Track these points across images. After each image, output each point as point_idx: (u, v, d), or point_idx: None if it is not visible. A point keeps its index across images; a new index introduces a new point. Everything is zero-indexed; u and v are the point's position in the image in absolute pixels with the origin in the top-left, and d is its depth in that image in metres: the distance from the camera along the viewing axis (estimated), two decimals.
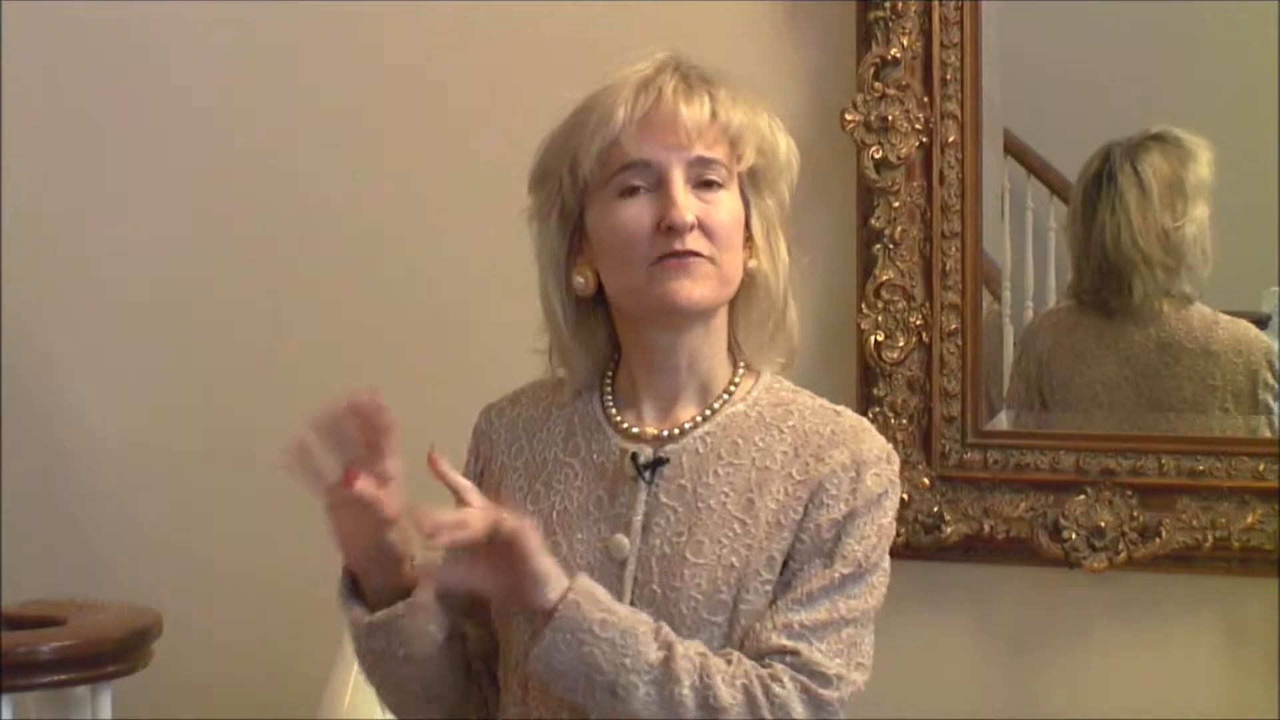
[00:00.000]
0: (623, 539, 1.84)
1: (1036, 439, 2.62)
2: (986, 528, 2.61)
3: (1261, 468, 2.52)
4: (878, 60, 2.62)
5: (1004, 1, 2.64)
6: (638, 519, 1.84)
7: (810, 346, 2.67)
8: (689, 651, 1.75)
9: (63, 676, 2.68)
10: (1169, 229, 2.62)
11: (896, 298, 2.63)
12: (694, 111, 1.82)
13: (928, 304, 2.62)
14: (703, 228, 1.81)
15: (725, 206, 1.84)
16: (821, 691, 1.77)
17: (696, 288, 1.81)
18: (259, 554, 3.01)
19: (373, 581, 1.85)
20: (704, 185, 1.83)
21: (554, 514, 1.87)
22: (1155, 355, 2.64)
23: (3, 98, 3.13)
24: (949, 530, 2.62)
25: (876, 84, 2.62)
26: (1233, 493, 2.52)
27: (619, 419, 1.89)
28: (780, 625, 1.78)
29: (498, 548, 1.74)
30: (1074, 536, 2.56)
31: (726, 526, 1.82)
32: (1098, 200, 2.63)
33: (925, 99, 2.61)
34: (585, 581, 1.77)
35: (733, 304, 1.88)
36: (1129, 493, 2.56)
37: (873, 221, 2.64)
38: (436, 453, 1.79)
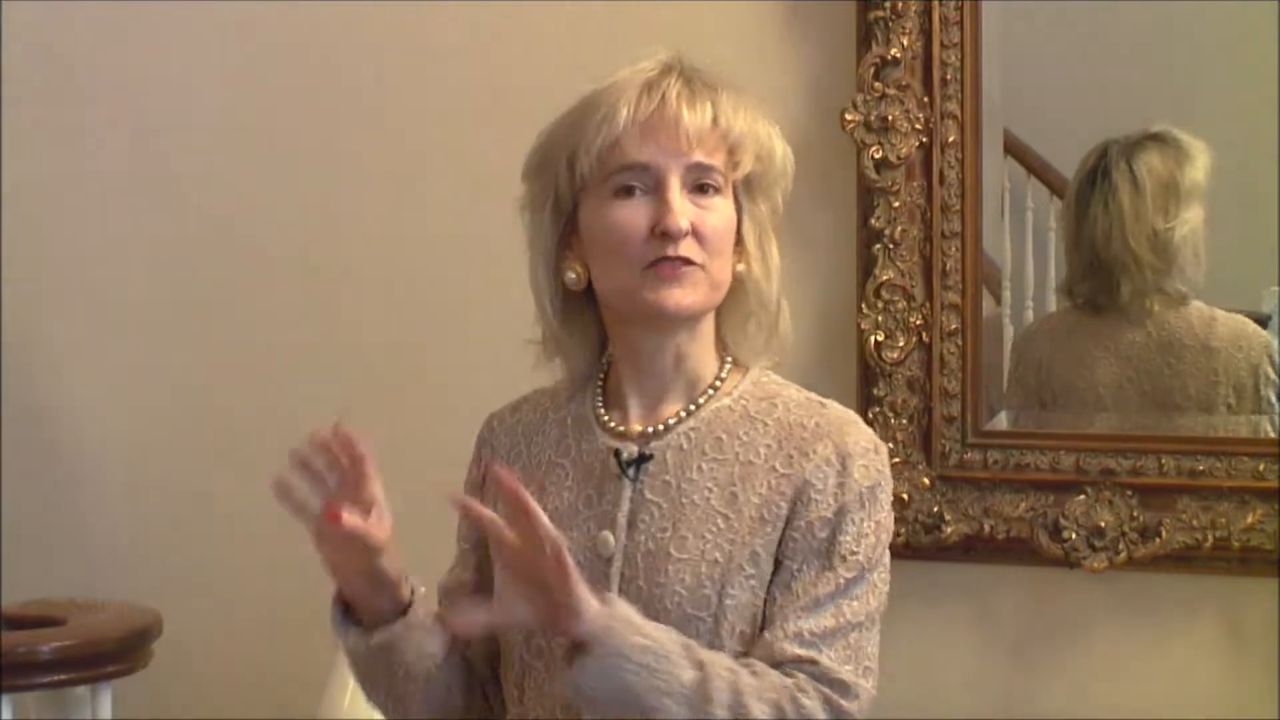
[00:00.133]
0: (608, 536, 1.85)
1: (1036, 439, 2.62)
2: (986, 528, 2.61)
3: (1261, 468, 2.52)
4: (878, 60, 2.62)
5: (1004, 1, 2.64)
6: (623, 516, 1.85)
7: (810, 346, 2.68)
8: (720, 669, 1.75)
9: (63, 676, 2.68)
10: (1159, 230, 2.62)
11: (896, 298, 2.63)
12: (696, 117, 1.83)
13: (928, 304, 2.62)
14: (696, 233, 1.82)
15: (719, 213, 1.85)
16: (842, 702, 1.78)
17: (687, 295, 1.83)
18: (259, 554, 3.01)
19: (367, 605, 1.85)
20: (699, 190, 1.84)
21: (546, 514, 1.88)
22: (1156, 355, 2.64)
23: (3, 98, 3.13)
24: (949, 530, 2.62)
25: (876, 84, 2.62)
26: (1233, 493, 2.52)
27: (606, 418, 1.91)
28: (791, 634, 1.79)
29: (533, 573, 1.71)
30: (1074, 536, 2.56)
31: (710, 521, 1.83)
32: (1091, 196, 2.64)
33: (925, 99, 2.61)
34: (619, 605, 1.75)
35: (721, 305, 1.89)
36: (1129, 493, 2.56)
37: (873, 221, 2.64)
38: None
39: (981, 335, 2.63)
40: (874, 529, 1.84)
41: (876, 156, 2.62)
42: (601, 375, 1.95)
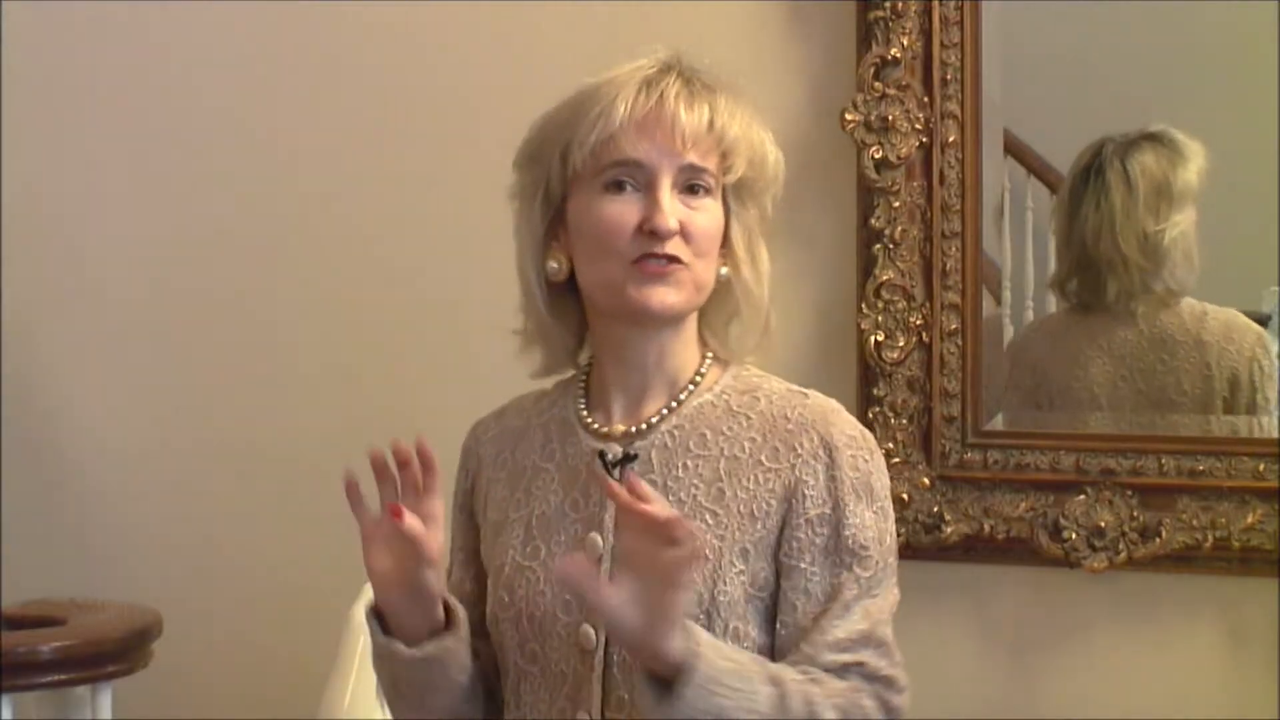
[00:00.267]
0: (596, 538, 1.85)
1: (1036, 439, 2.62)
2: (986, 528, 2.61)
3: (1261, 468, 2.52)
4: (878, 60, 2.62)
5: (1004, 1, 2.64)
6: (609, 517, 1.84)
7: (810, 346, 2.69)
8: (791, 682, 1.75)
9: (63, 676, 2.68)
10: (1150, 232, 2.62)
11: (896, 298, 2.63)
12: (693, 118, 1.83)
13: (928, 304, 2.62)
14: (683, 233, 1.83)
15: (708, 214, 1.85)
16: (893, 698, 1.81)
17: (670, 294, 1.83)
18: (259, 554, 3.01)
19: (401, 618, 1.84)
20: (689, 191, 1.85)
21: (533, 519, 1.89)
22: (1149, 352, 2.64)
23: (3, 98, 3.13)
24: (949, 530, 2.62)
25: (876, 84, 2.62)
26: (1233, 493, 2.52)
27: (589, 419, 1.91)
28: (830, 644, 1.79)
29: (652, 573, 1.67)
30: (1074, 536, 2.56)
31: (698, 518, 1.83)
32: (1084, 193, 2.64)
33: (925, 99, 2.61)
34: (695, 627, 1.73)
35: (704, 306, 1.89)
36: (1129, 493, 2.56)
37: (873, 221, 2.64)
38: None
39: (981, 335, 2.63)
40: (874, 520, 1.84)
41: (876, 156, 2.62)
42: (584, 378, 1.95)
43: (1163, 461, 2.56)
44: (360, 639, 2.50)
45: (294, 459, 2.99)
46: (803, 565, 1.82)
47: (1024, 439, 2.62)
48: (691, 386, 1.90)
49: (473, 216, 2.85)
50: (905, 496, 2.62)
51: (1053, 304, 2.74)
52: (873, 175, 2.62)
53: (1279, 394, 2.61)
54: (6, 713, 2.61)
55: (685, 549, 1.64)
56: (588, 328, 1.94)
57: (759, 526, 1.83)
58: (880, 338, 2.64)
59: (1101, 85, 2.73)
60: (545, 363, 1.95)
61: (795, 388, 1.91)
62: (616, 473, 1.86)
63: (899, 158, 2.62)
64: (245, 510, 3.04)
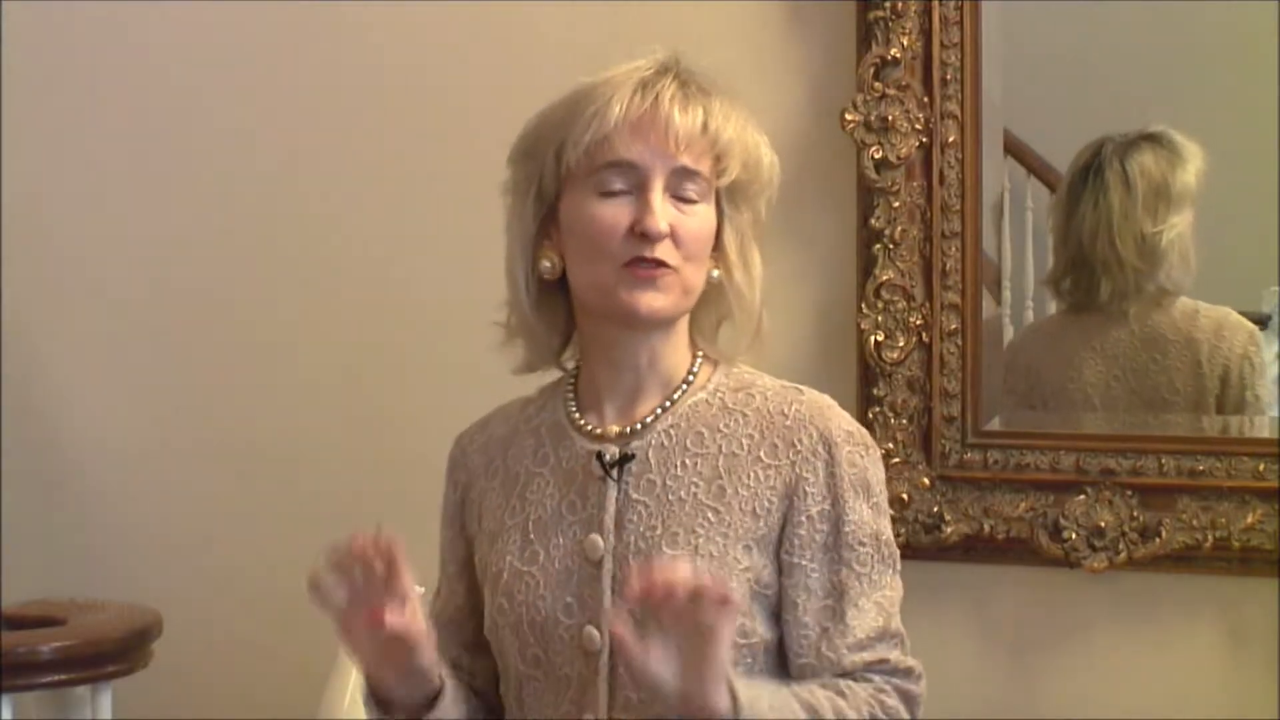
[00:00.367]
0: (596, 539, 1.85)
1: (1036, 439, 2.62)
2: (986, 528, 2.61)
3: (1261, 468, 2.52)
4: (878, 60, 2.62)
5: (1004, 1, 2.64)
6: (609, 518, 1.85)
7: (810, 346, 2.69)
8: (824, 706, 1.77)
9: (63, 676, 2.68)
10: (1147, 234, 2.62)
11: (896, 298, 2.63)
12: (687, 121, 1.83)
13: (928, 304, 2.62)
14: (674, 237, 1.83)
15: (699, 218, 1.85)
16: (913, 688, 1.85)
17: (658, 299, 1.83)
18: (259, 554, 3.01)
19: (393, 692, 1.83)
20: (682, 194, 1.85)
21: (529, 524, 1.89)
22: (1142, 352, 2.64)
23: (3, 98, 3.13)
24: (949, 530, 2.62)
25: (876, 84, 2.62)
26: (1233, 493, 2.52)
27: (582, 422, 1.91)
28: (853, 645, 1.82)
29: (690, 633, 1.67)
30: (1074, 536, 2.56)
31: (700, 516, 1.83)
32: (1082, 193, 2.64)
33: (925, 99, 2.61)
34: (738, 681, 1.73)
35: (695, 308, 1.90)
36: (1129, 493, 2.56)
37: (873, 221, 2.63)
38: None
39: (981, 335, 2.63)
40: (872, 515, 1.86)
41: (876, 156, 2.62)
42: (572, 380, 1.95)
43: (1163, 461, 2.55)
44: None
45: (294, 459, 3.00)
46: (804, 562, 1.84)
47: (1024, 439, 2.62)
48: (685, 386, 1.90)
49: (474, 217, 2.84)
50: (905, 496, 2.62)
51: (1053, 304, 2.74)
52: (873, 175, 2.62)
53: (1276, 392, 2.62)
54: (6, 713, 2.61)
55: (715, 600, 1.64)
56: (575, 327, 1.93)
57: (761, 524, 1.84)
58: (880, 338, 2.64)
59: (1101, 85, 2.73)
60: (528, 359, 1.95)
61: (788, 384, 1.91)
62: (614, 473, 1.85)
63: (899, 158, 2.62)
64: (245, 510, 3.04)
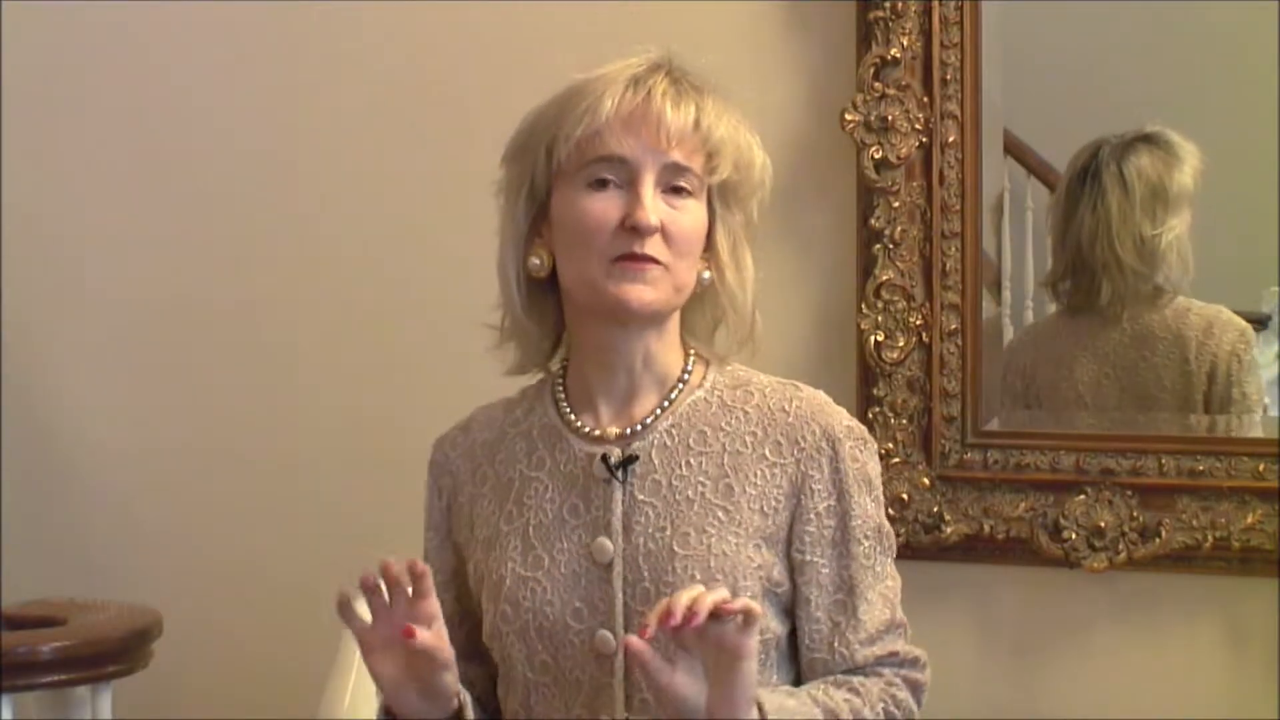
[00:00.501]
0: (605, 542, 1.84)
1: (1036, 439, 2.62)
2: (986, 528, 2.61)
3: (1261, 468, 2.52)
4: (878, 60, 2.62)
5: (1004, 1, 2.64)
6: (617, 520, 1.84)
7: (810, 346, 2.69)
8: (841, 708, 1.80)
9: (63, 676, 2.67)
10: (1146, 236, 2.63)
11: (896, 298, 2.63)
12: (679, 117, 1.83)
13: (928, 304, 2.62)
14: (664, 233, 1.82)
15: (690, 215, 1.85)
16: (920, 676, 1.89)
17: (648, 292, 1.82)
18: (259, 554, 3.01)
19: (419, 710, 1.81)
20: (673, 191, 1.84)
21: (530, 529, 1.87)
22: (1132, 350, 2.65)
23: (3, 98, 3.13)
24: (949, 530, 2.62)
25: (876, 84, 2.62)
26: (1233, 493, 2.52)
27: (578, 423, 1.90)
28: (864, 639, 1.85)
29: (716, 651, 1.69)
30: (1074, 536, 2.56)
31: (710, 515, 1.83)
32: (1080, 196, 2.65)
33: (925, 99, 2.61)
34: (763, 694, 1.75)
35: (687, 309, 1.90)
36: (1129, 493, 2.56)
37: (873, 221, 2.63)
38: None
39: (981, 335, 2.63)
40: (874, 509, 1.88)
41: (876, 156, 2.62)
42: (560, 381, 1.93)
43: (1162, 461, 2.56)
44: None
45: (293, 459, 3.00)
46: (814, 559, 1.85)
47: (1024, 439, 2.62)
48: (681, 385, 1.90)
49: (474, 217, 2.85)
50: (905, 496, 2.62)
51: (1052, 304, 2.74)
52: (872, 175, 2.62)
53: (1275, 393, 2.62)
54: (6, 713, 2.61)
55: (736, 616, 1.66)
56: (565, 328, 1.93)
57: (769, 521, 1.84)
58: (880, 338, 2.64)
59: (1101, 85, 2.73)
60: (520, 361, 1.94)
61: (783, 380, 1.92)
62: (620, 475, 1.85)
63: (899, 158, 2.62)
64: (245, 510, 3.04)
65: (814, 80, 2.70)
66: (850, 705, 1.81)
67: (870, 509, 1.88)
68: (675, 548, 1.82)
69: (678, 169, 1.84)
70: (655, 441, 1.87)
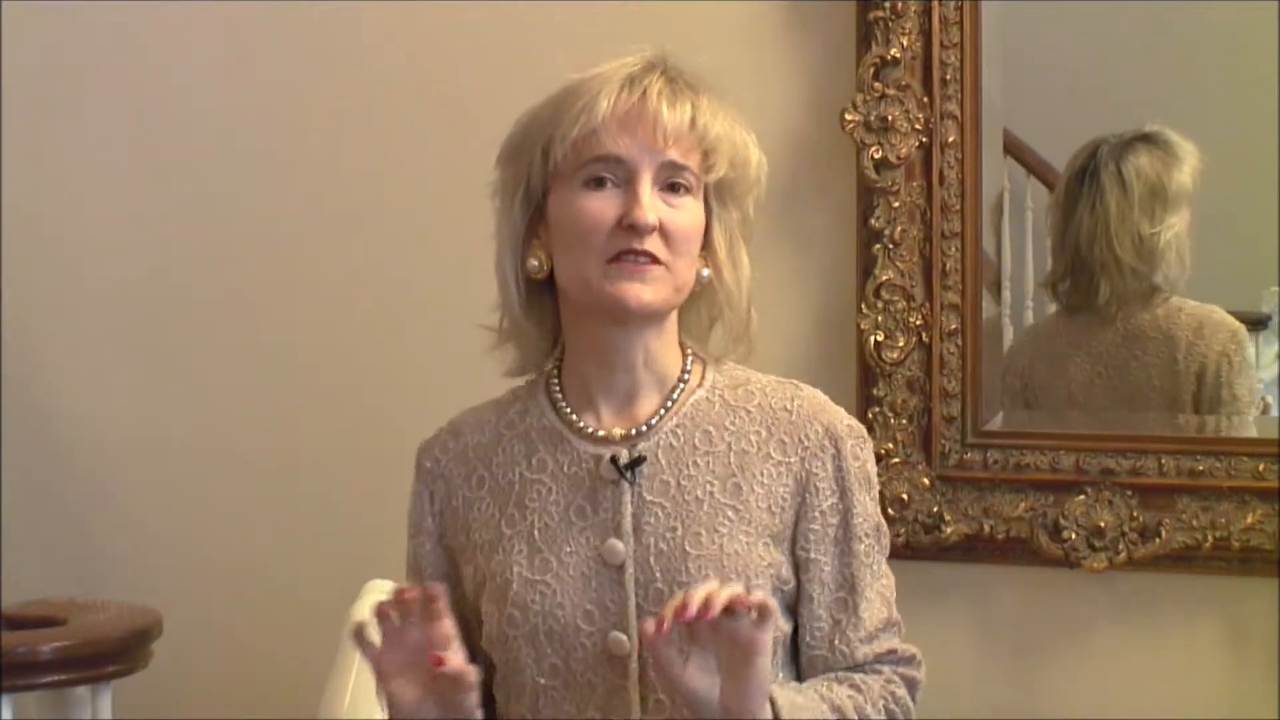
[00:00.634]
0: (616, 543, 1.83)
1: (1036, 439, 2.62)
2: (986, 528, 2.61)
3: (1261, 468, 2.52)
4: (878, 60, 2.62)
5: (1004, 1, 2.64)
6: (627, 521, 1.84)
7: (810, 346, 2.69)
8: (846, 705, 1.81)
9: (63, 676, 2.67)
10: (1145, 235, 2.63)
11: (896, 298, 2.63)
12: (675, 115, 1.83)
13: (928, 304, 2.62)
14: (662, 232, 1.82)
15: (688, 213, 1.85)
16: (916, 674, 1.90)
17: (647, 292, 1.82)
18: (259, 554, 3.01)
19: None
20: (670, 189, 1.84)
21: (535, 532, 1.86)
22: (1124, 349, 2.65)
23: (3, 98, 3.13)
24: (949, 530, 2.62)
25: (876, 84, 2.62)
26: (1233, 493, 2.52)
27: (580, 424, 1.89)
28: (865, 636, 1.86)
29: (729, 647, 1.70)
30: (1074, 536, 2.56)
31: (720, 515, 1.83)
32: (1079, 196, 2.65)
33: (925, 99, 2.61)
34: (776, 690, 1.76)
35: (685, 308, 1.89)
36: (1129, 493, 2.56)
37: (873, 221, 2.63)
38: None
39: (981, 335, 2.63)
40: (873, 507, 1.90)
41: (876, 156, 2.62)
42: (555, 381, 1.92)
43: (1162, 461, 2.56)
44: None
45: (294, 459, 3.00)
46: (818, 556, 1.86)
47: (1024, 439, 2.62)
48: (682, 385, 1.89)
49: (474, 217, 2.84)
50: (905, 496, 2.62)
51: (1052, 304, 2.74)
52: (872, 175, 2.62)
53: (1275, 392, 2.62)
54: (6, 713, 2.61)
55: (749, 610, 1.67)
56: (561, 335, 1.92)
57: (776, 520, 1.85)
58: (880, 338, 2.64)
59: (1101, 85, 2.73)
60: (519, 362, 1.94)
61: (780, 379, 1.92)
62: (630, 475, 1.85)
63: (899, 158, 2.62)
64: (245, 510, 3.04)
65: (814, 80, 2.70)
66: (854, 703, 1.82)
67: (870, 507, 1.89)
68: (687, 548, 1.82)
69: (674, 167, 1.83)
70: (661, 442, 1.86)
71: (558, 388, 1.92)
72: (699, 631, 1.69)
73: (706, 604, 1.66)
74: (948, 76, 2.60)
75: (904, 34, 2.60)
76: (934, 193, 2.61)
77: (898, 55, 2.61)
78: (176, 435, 3.09)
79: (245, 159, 3.04)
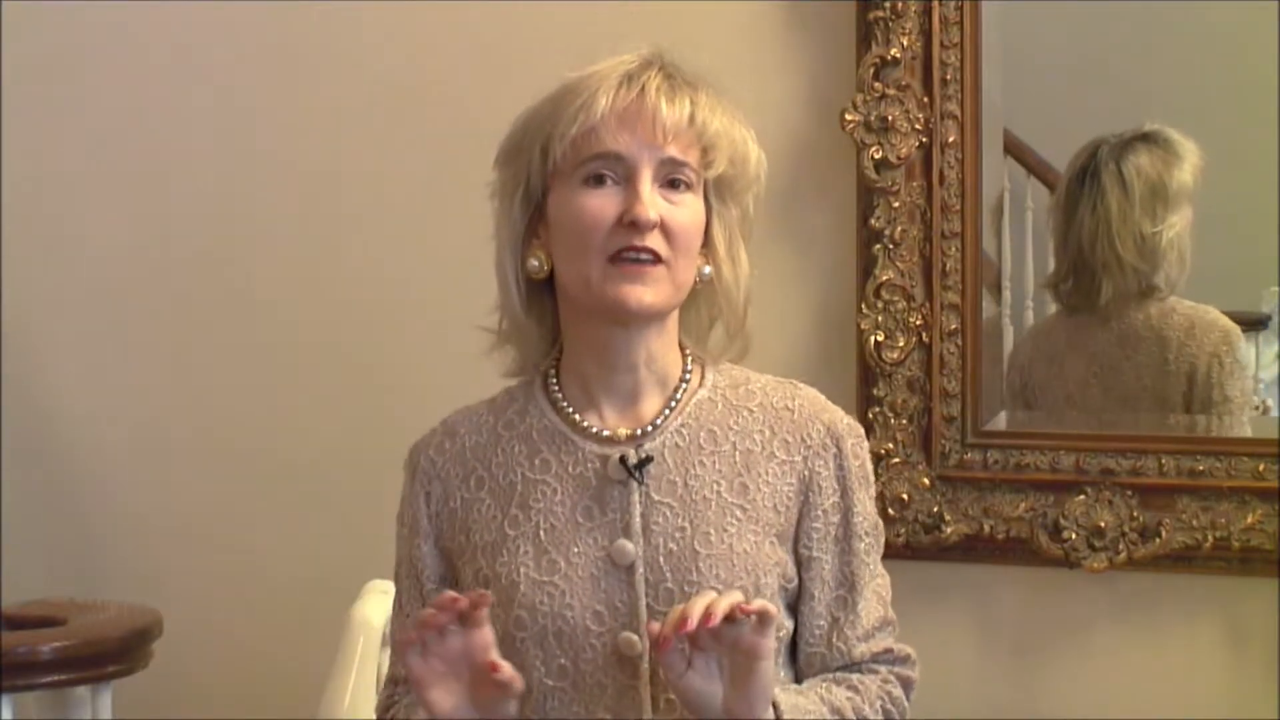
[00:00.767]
0: (626, 544, 1.83)
1: (1036, 439, 2.62)
2: (986, 528, 2.61)
3: (1261, 468, 2.52)
4: (878, 60, 2.62)
5: (1004, 1, 2.64)
6: (636, 521, 1.83)
7: (810, 346, 2.69)
8: (844, 706, 1.82)
9: (63, 676, 2.67)
10: (1147, 234, 2.63)
11: (896, 298, 2.63)
12: (674, 112, 1.82)
13: (928, 304, 2.62)
14: (664, 228, 1.81)
15: (688, 209, 1.84)
16: (910, 673, 1.91)
17: (648, 292, 1.81)
18: (259, 554, 3.01)
19: None
20: (670, 186, 1.83)
21: (541, 533, 1.85)
22: (1117, 348, 2.65)
23: (3, 98, 3.13)
24: (949, 530, 2.62)
25: (876, 84, 2.62)
26: (1233, 493, 2.52)
27: (584, 424, 1.88)
28: (862, 635, 1.87)
29: (733, 652, 1.72)
30: (1074, 536, 2.56)
31: (728, 514, 1.84)
32: (1080, 196, 2.65)
33: (925, 99, 2.61)
34: (781, 692, 1.78)
35: (684, 306, 1.89)
36: (1129, 493, 2.56)
37: (873, 221, 2.63)
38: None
39: (981, 335, 2.63)
40: (872, 505, 1.91)
41: (876, 156, 2.62)
42: (555, 382, 1.92)
43: (1163, 461, 2.56)
44: (360, 639, 2.50)
45: (294, 459, 3.00)
46: (819, 555, 1.87)
47: (1024, 439, 2.62)
48: (684, 384, 1.89)
49: (474, 217, 2.84)
50: (905, 496, 2.62)
51: (1053, 305, 2.74)
52: (872, 175, 2.62)
53: (1275, 392, 2.62)
54: (6, 713, 2.61)
55: (751, 618, 1.68)
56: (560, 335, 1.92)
57: (781, 519, 1.86)
58: (880, 338, 2.64)
59: (1101, 85, 2.73)
60: (520, 362, 1.93)
61: (778, 379, 1.92)
62: (638, 475, 1.84)
63: (899, 158, 2.62)
64: (245, 510, 3.04)
65: (814, 80, 2.70)
66: (853, 704, 1.83)
67: (869, 506, 1.90)
68: (697, 547, 1.82)
69: (674, 163, 1.83)
70: (668, 442, 1.86)
71: (557, 387, 1.91)
72: (701, 638, 1.70)
73: (707, 614, 1.67)
74: (948, 76, 2.60)
75: (904, 34, 2.60)
76: (934, 193, 2.61)
77: (898, 55, 2.61)
78: (176, 435, 3.09)
79: (245, 159, 3.04)
